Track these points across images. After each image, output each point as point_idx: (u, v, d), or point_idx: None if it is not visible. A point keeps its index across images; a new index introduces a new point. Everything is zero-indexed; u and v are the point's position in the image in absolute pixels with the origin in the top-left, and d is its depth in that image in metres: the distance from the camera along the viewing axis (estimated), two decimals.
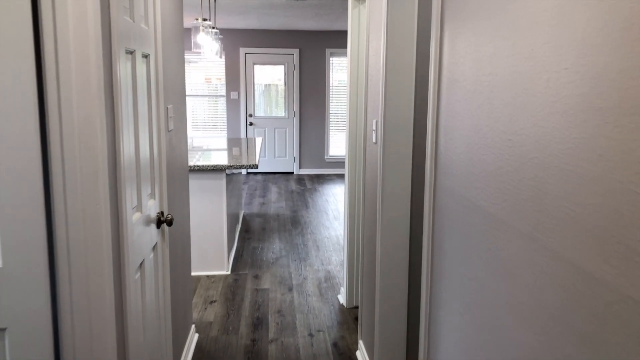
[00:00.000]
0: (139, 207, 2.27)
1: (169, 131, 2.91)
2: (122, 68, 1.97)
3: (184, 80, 3.43)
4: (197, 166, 4.76)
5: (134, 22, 2.19)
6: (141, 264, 2.31)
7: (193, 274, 4.90)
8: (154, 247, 2.56)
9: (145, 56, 2.40)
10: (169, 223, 2.60)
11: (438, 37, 1.84)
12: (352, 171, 4.03)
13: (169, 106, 2.90)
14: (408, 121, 2.74)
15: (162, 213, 2.65)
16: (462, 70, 1.62)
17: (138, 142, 2.23)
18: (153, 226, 2.52)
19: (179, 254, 3.19)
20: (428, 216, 1.91)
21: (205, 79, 9.77)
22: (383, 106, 2.75)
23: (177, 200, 3.17)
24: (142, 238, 2.29)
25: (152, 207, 2.50)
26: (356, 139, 4.00)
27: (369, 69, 3.22)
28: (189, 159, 5.26)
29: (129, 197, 2.07)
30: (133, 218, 2.16)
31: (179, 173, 3.23)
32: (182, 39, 3.37)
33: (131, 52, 2.15)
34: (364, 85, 3.31)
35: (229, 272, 4.93)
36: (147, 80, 2.45)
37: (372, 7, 3.11)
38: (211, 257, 4.90)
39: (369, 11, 3.21)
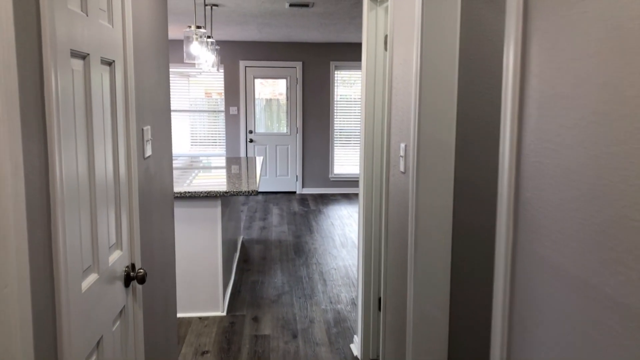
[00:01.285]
0: (94, 267, 1.68)
1: (145, 159, 2.32)
2: (62, 75, 1.38)
3: (168, 96, 2.85)
4: (189, 193, 4.18)
5: (87, 16, 1.61)
6: (98, 342, 1.71)
7: (182, 315, 4.29)
8: (121, 312, 1.96)
9: (108, 63, 1.82)
10: (141, 280, 2.01)
11: (519, 34, 1.25)
12: (368, 199, 3.44)
13: (146, 127, 2.31)
14: (449, 148, 2.15)
15: (132, 266, 2.05)
16: (576, 79, 1.03)
17: (93, 177, 1.64)
18: (119, 285, 1.92)
19: (158, 312, 2.58)
20: (502, 296, 1.31)
21: (206, 93, 9.22)
22: (416, 127, 2.16)
23: (157, 241, 2.57)
24: (99, 308, 1.69)
25: (117, 261, 1.91)
26: (372, 164, 3.42)
27: (393, 81, 2.64)
28: (181, 182, 4.67)
29: (76, 257, 1.48)
30: (83, 285, 1.56)
31: (160, 206, 2.63)
32: (167, 45, 2.79)
33: (82, 56, 1.57)
34: (387, 101, 2.73)
35: (224, 314, 4.31)
36: (112, 94, 1.86)
37: (397, 6, 2.54)
38: (204, 296, 4.29)
39: (393, 12, 2.63)
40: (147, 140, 2.35)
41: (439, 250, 2.15)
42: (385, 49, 3.24)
